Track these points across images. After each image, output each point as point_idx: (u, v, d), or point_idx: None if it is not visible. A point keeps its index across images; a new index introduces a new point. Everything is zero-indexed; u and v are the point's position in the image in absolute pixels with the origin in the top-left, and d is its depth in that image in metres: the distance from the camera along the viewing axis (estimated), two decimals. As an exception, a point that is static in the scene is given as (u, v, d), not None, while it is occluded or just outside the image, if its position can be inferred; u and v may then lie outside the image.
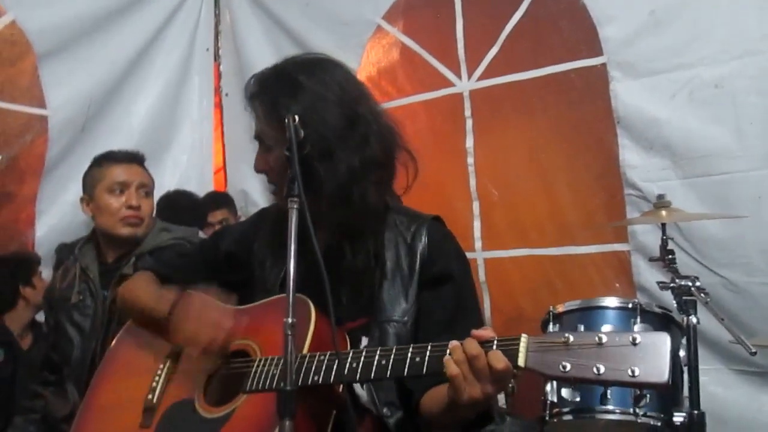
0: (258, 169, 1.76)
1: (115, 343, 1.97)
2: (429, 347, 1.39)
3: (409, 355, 1.40)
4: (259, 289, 1.80)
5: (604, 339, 1.19)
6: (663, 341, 1.16)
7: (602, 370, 1.17)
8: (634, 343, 1.17)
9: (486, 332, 1.35)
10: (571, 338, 1.22)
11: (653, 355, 1.15)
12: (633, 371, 1.14)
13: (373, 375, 1.43)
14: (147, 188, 2.82)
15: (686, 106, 3.22)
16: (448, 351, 1.35)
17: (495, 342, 1.32)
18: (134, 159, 2.86)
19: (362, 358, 1.45)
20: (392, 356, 1.42)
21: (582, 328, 1.87)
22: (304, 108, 1.58)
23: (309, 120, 1.56)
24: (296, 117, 1.48)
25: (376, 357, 1.43)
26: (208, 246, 2.05)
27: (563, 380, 1.29)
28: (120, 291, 2.04)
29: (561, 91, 3.58)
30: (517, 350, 1.28)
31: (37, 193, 3.83)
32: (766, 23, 3.07)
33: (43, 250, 3.74)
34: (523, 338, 1.29)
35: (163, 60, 4.34)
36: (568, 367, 1.20)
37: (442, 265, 1.70)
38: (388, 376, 1.42)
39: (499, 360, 1.28)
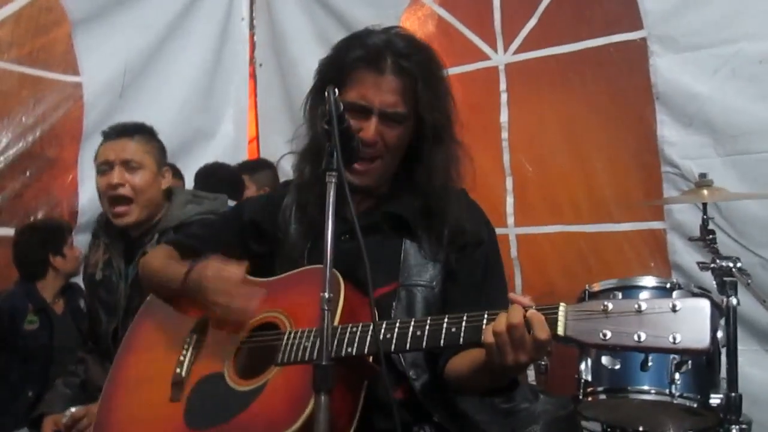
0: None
1: (138, 317, 1.95)
2: (465, 317, 1.38)
3: (445, 325, 1.39)
4: (284, 260, 1.79)
5: (644, 306, 1.18)
6: (703, 307, 1.15)
7: (643, 337, 1.16)
8: (674, 310, 1.16)
9: (524, 299, 1.34)
10: (611, 306, 1.21)
11: (694, 321, 1.14)
12: (674, 338, 1.13)
13: (408, 346, 1.42)
14: (133, 163, 2.55)
15: (729, 82, 3.14)
16: (485, 319, 1.34)
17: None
18: (123, 132, 2.60)
19: (396, 329, 1.44)
20: (427, 327, 1.40)
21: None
22: None
23: None
24: (336, 90, 1.45)
25: (411, 328, 1.42)
26: (231, 216, 2.05)
27: (604, 348, 1.27)
28: (140, 265, 2.02)
29: (599, 65, 3.52)
30: (556, 319, 1.27)
31: (77, 158, 3.86)
32: (814, -3, 2.99)
33: (87, 217, 3.73)
34: (562, 307, 1.28)
35: (200, 27, 4.35)
36: (609, 335, 1.19)
37: (471, 232, 1.72)
38: (423, 346, 1.41)
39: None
